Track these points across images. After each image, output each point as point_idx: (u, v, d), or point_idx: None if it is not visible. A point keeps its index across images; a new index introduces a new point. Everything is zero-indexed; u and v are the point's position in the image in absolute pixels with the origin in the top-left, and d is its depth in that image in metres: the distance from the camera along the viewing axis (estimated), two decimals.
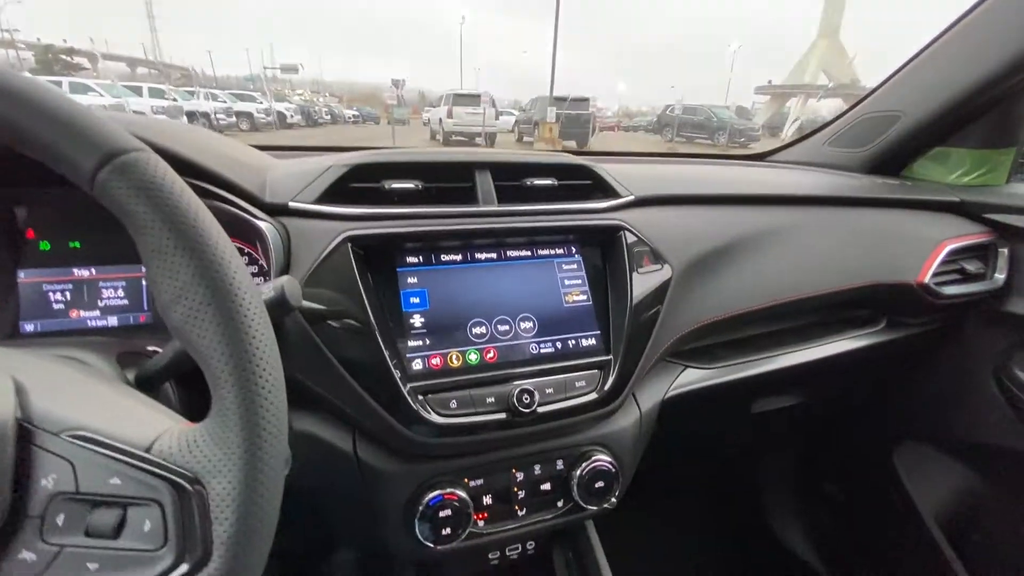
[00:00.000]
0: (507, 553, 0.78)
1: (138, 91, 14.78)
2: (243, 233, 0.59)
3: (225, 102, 17.44)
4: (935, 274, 0.89)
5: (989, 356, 0.98)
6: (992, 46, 0.90)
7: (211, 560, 0.30)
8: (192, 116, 14.23)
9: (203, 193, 0.55)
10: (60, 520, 0.30)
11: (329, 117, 25.46)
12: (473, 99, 14.53)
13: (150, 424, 0.34)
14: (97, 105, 10.18)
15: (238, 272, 0.34)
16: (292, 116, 20.63)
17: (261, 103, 19.30)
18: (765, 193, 0.88)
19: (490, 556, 0.77)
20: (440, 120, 14.67)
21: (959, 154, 1.04)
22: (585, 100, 15.29)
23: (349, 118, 28.50)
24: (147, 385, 0.48)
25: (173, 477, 0.31)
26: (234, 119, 16.79)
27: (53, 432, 0.31)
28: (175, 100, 14.73)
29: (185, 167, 0.54)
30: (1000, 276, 0.94)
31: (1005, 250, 0.95)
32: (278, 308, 0.44)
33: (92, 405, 0.35)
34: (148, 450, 0.32)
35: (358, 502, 0.60)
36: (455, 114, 14.22)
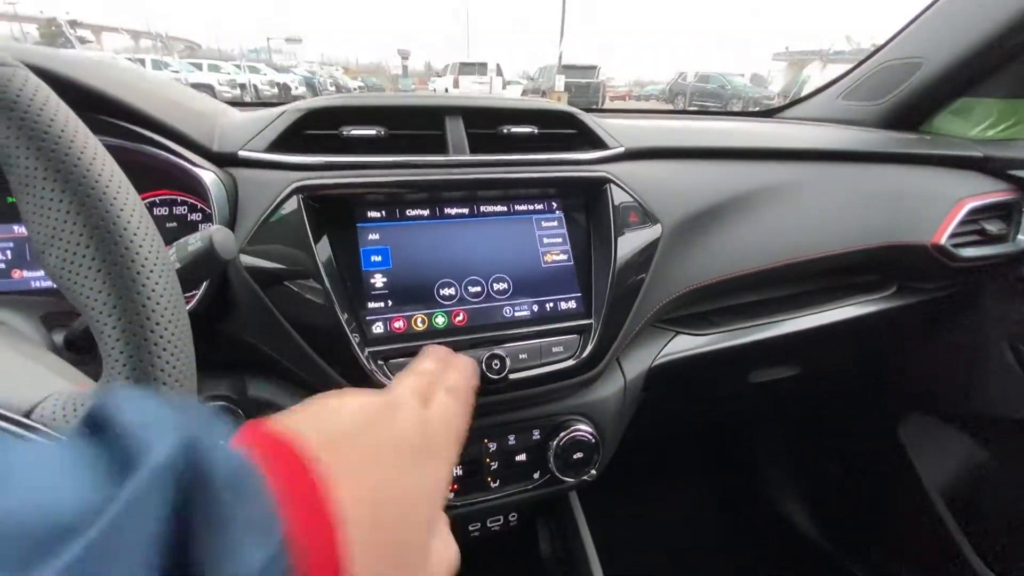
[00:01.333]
0: (488, 525, 0.75)
1: (141, 63, 14.59)
2: (187, 185, 0.54)
3: (229, 74, 17.20)
4: (952, 235, 0.83)
5: (1006, 324, 0.92)
6: None
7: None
8: (197, 88, 14.07)
9: (133, 136, 0.50)
10: None
11: (334, 88, 25.13)
12: (480, 68, 14.21)
13: (39, 387, 0.30)
14: None
15: (126, 208, 0.29)
16: (296, 88, 20.34)
17: (265, 75, 19.01)
18: (768, 146, 0.81)
19: (470, 528, 0.75)
20: (446, 90, 14.39)
21: (985, 105, 0.95)
22: (593, 68, 14.90)
23: (354, 89, 28.13)
24: (78, 347, 0.44)
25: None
26: (238, 91, 16.58)
27: None
28: (178, 72, 14.53)
29: (105, 105, 0.49)
30: (1023, 238, 0.87)
31: None
32: (208, 261, 0.40)
33: None
34: (28, 415, 0.28)
35: None
36: (461, 83, 13.94)
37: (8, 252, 0.56)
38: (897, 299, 0.88)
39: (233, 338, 0.54)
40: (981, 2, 0.87)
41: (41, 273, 0.57)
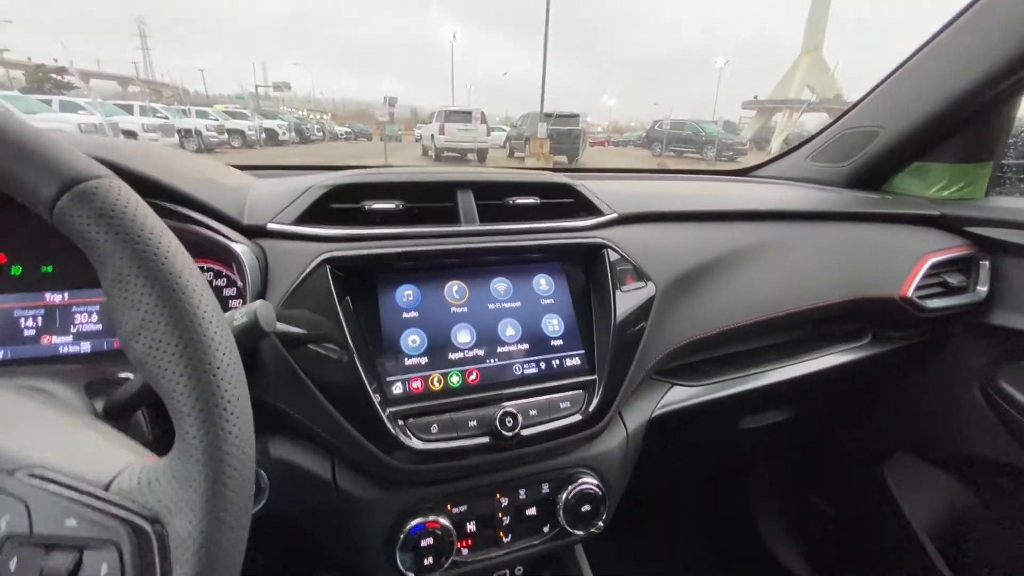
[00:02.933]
0: None
1: (129, 109, 14.77)
2: (220, 256, 0.58)
3: (216, 120, 17.47)
4: (918, 287, 0.90)
5: (975, 369, 0.99)
6: (967, 61, 0.92)
7: None
8: (184, 134, 14.24)
9: (178, 217, 0.55)
10: (13, 564, 0.28)
11: (321, 134, 25.62)
12: (464, 115, 14.66)
13: (111, 460, 0.33)
14: (87, 123, 10.14)
15: (202, 302, 0.33)
16: (284, 133, 20.70)
17: (253, 120, 19.35)
18: (748, 209, 0.88)
19: None
20: (432, 136, 14.78)
21: (938, 168, 1.05)
22: (575, 116, 15.46)
23: (341, 134, 28.69)
24: (116, 415, 0.46)
25: (131, 517, 0.30)
26: (226, 136, 16.81)
27: (8, 471, 0.30)
28: (167, 118, 14.72)
29: (157, 190, 0.54)
30: (983, 288, 0.95)
31: (987, 262, 0.96)
32: (251, 334, 0.43)
33: (51, 440, 0.34)
34: (107, 488, 0.31)
35: (337, 531, 0.59)
36: (447, 130, 14.35)
37: (39, 319, 0.59)
38: (872, 347, 0.94)
39: (261, 401, 0.56)
40: (930, 78, 0.98)
41: (69, 338, 0.60)
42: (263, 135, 18.74)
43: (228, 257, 0.57)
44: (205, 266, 0.60)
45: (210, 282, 0.61)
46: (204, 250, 0.58)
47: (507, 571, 0.77)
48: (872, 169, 1.10)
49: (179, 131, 14.12)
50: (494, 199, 0.69)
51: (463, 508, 0.60)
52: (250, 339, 0.44)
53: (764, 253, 0.84)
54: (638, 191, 0.87)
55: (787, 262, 0.86)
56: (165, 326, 0.31)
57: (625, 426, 0.70)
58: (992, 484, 1.02)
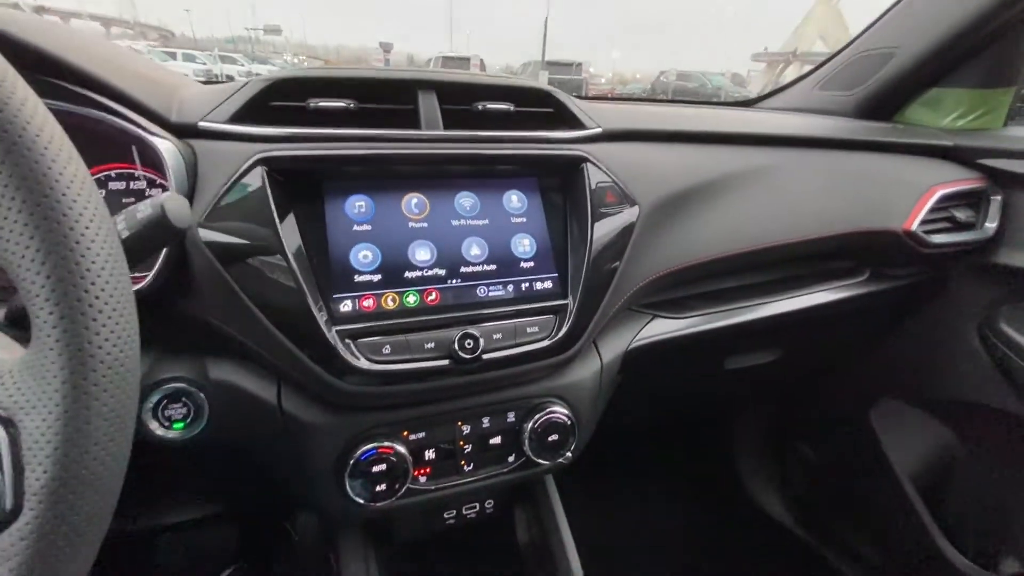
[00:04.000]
0: (464, 512, 0.74)
1: None
2: (143, 156, 0.51)
3: (205, 64, 16.76)
4: (923, 221, 0.84)
5: (974, 310, 0.94)
6: None
7: (22, 514, 0.24)
8: None
9: (87, 102, 0.48)
10: None
11: None
12: (462, 62, 14.12)
13: None
14: None
15: (60, 157, 0.26)
16: None
17: (243, 65, 18.57)
18: (744, 131, 0.81)
19: (445, 516, 0.74)
20: None
21: (955, 94, 0.97)
22: (577, 64, 14.90)
23: None
24: (20, 323, 0.41)
25: None
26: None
27: None
28: None
29: (62, 70, 0.46)
30: (991, 225, 0.89)
31: (998, 198, 0.89)
32: (160, 230, 0.37)
33: None
34: None
35: (286, 458, 0.55)
36: None
37: None
38: (870, 285, 0.89)
39: (193, 318, 0.51)
40: None
41: None
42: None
43: (153, 158, 0.50)
44: (129, 171, 0.54)
45: (134, 191, 0.54)
46: (125, 150, 0.51)
47: (476, 504, 0.75)
48: (884, 96, 1.01)
49: None
50: (462, 104, 0.61)
51: (421, 435, 0.56)
52: (160, 238, 0.38)
53: (759, 180, 0.78)
54: (627, 109, 0.79)
55: (784, 190, 0.79)
56: (5, 186, 0.25)
57: (600, 356, 0.66)
58: (980, 430, 1.00)
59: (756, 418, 1.38)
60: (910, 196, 0.85)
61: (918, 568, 1.07)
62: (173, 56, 16.79)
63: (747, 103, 1.24)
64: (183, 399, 0.51)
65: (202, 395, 0.52)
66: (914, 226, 0.83)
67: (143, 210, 0.37)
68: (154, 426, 0.50)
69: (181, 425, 0.52)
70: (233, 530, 1.07)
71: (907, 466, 1.10)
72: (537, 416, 0.59)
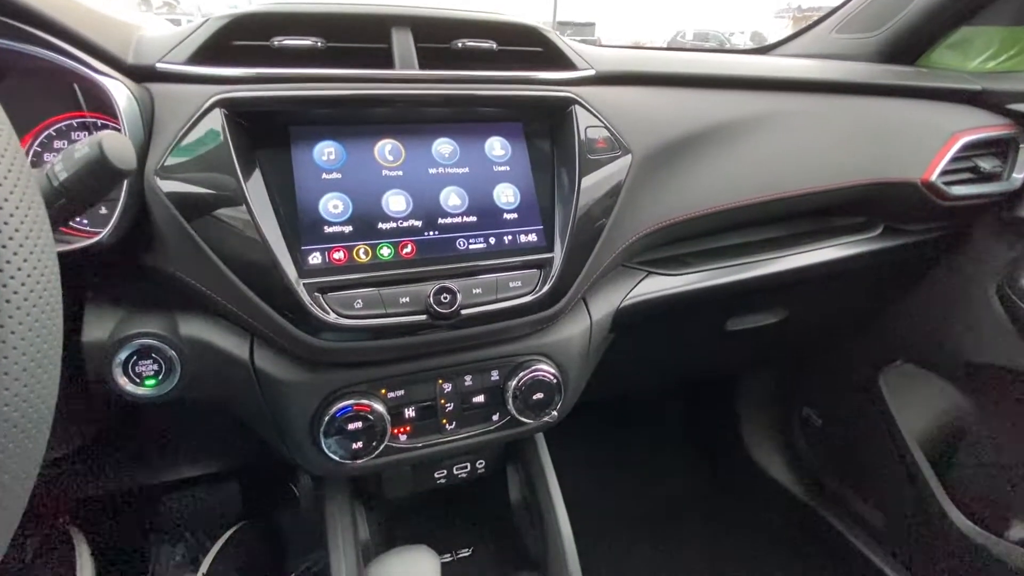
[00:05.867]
0: (455, 472, 0.74)
1: None
2: (96, 102, 0.48)
3: None
4: (944, 171, 0.78)
5: (994, 268, 0.89)
6: None
7: None
8: None
9: (28, 38, 0.44)
10: None
11: None
12: None
13: None
14: None
15: None
16: None
17: None
18: (751, 75, 0.75)
19: (436, 475, 0.73)
20: None
21: (987, 33, 0.89)
22: (590, 25, 14.40)
23: None
24: None
25: None
26: None
27: None
28: None
29: (3, 5, 0.43)
30: (1018, 176, 0.83)
31: None
32: (100, 171, 0.35)
33: None
34: None
35: (261, 416, 0.54)
36: None
37: None
38: (883, 240, 0.84)
39: (159, 272, 0.49)
40: None
41: None
42: None
43: (106, 103, 0.47)
44: (82, 119, 0.51)
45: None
46: (73, 95, 0.48)
47: (467, 464, 0.74)
48: (907, 38, 0.93)
49: None
50: (440, 42, 0.57)
51: (400, 393, 0.55)
52: (101, 180, 0.35)
53: (766, 127, 0.73)
54: (624, 52, 0.74)
55: (793, 139, 0.74)
56: None
57: (590, 313, 0.63)
58: (994, 392, 0.96)
59: (761, 383, 1.35)
60: (931, 144, 0.79)
61: (922, 532, 1.05)
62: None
63: (760, 50, 1.16)
64: (153, 355, 0.50)
65: (172, 352, 0.50)
66: (934, 176, 0.77)
67: (80, 149, 0.35)
68: (123, 382, 0.49)
69: (154, 382, 0.50)
70: (238, 490, 1.09)
71: (916, 431, 1.07)
72: (522, 374, 0.57)
